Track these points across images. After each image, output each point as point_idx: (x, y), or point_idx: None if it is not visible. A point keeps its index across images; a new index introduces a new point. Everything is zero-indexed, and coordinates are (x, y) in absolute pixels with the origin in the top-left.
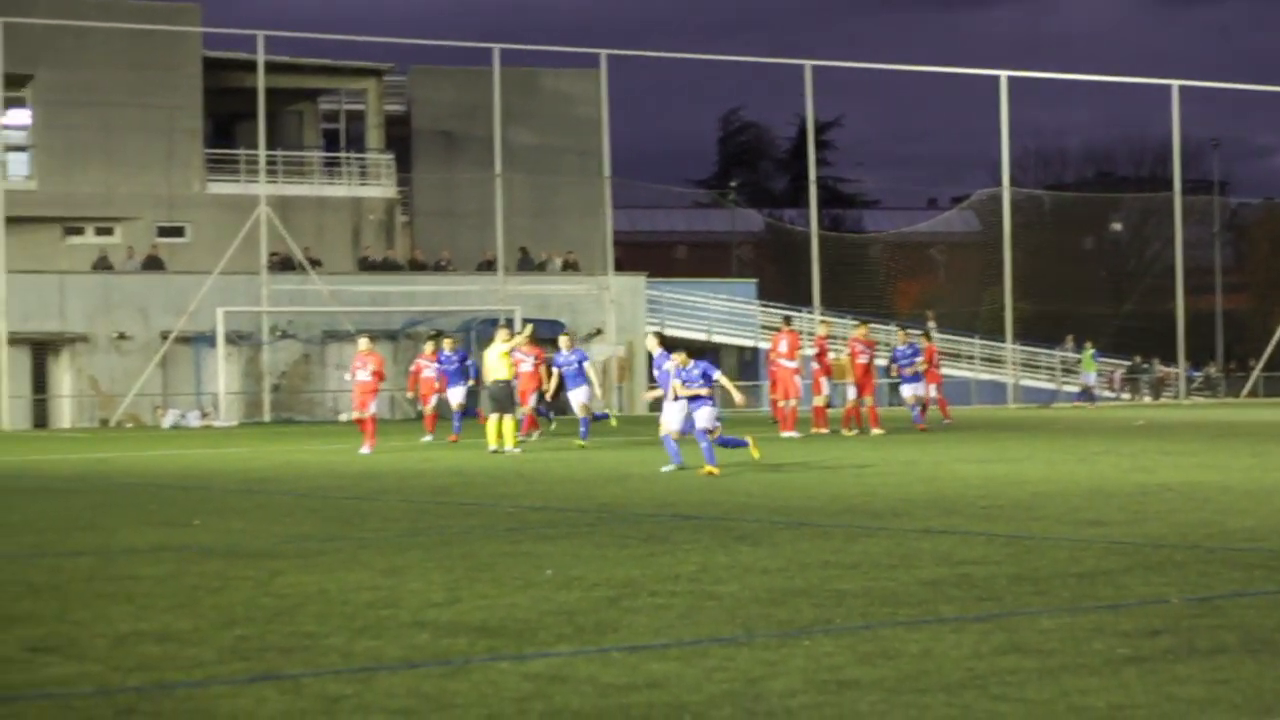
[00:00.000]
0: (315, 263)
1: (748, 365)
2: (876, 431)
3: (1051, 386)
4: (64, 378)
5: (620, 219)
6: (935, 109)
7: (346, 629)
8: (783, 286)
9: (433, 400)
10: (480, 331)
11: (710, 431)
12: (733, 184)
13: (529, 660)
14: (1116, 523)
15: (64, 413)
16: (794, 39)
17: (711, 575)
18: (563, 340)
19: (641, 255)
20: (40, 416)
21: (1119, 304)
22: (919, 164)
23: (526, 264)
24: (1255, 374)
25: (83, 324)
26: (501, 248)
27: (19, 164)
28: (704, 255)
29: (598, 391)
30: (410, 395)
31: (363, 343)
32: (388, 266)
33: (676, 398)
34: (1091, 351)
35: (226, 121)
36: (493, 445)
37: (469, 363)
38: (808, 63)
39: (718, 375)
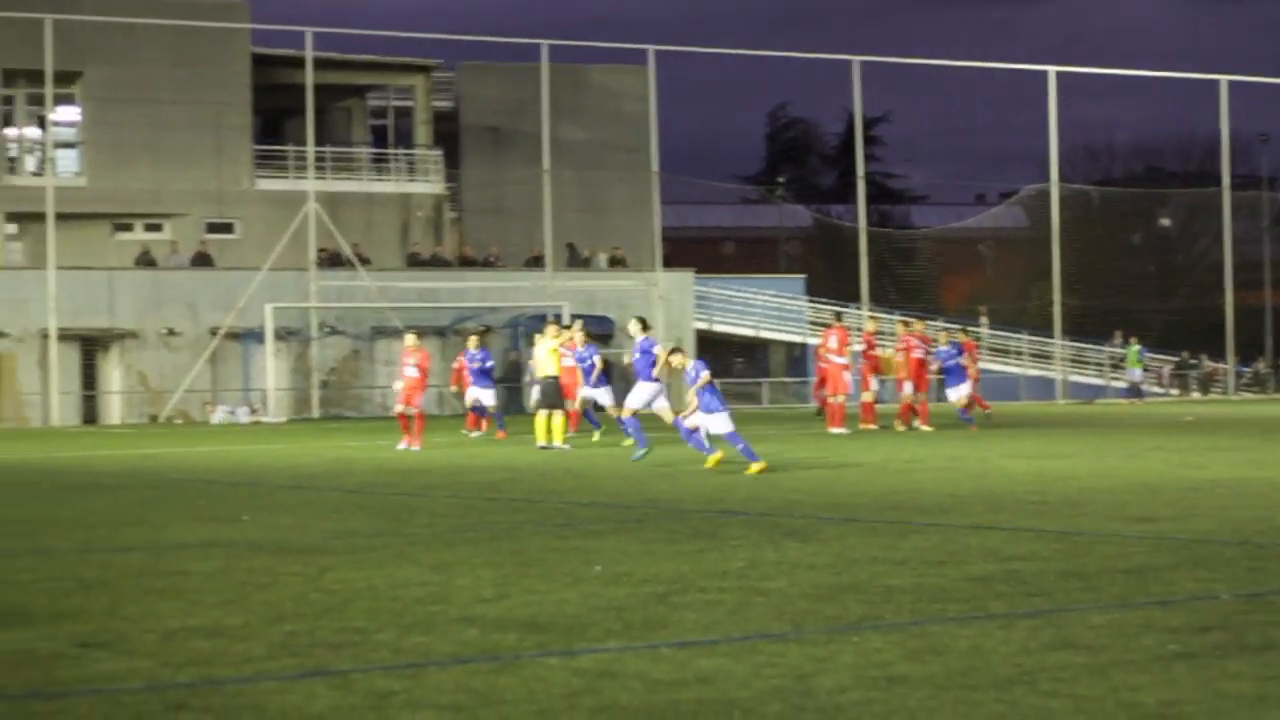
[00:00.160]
0: (364, 259)
1: (796, 361)
2: (925, 428)
3: (1100, 382)
4: (113, 374)
5: (668, 215)
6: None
7: (395, 624)
8: (831, 282)
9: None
10: (527, 327)
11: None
12: (780, 180)
13: (578, 656)
14: (1166, 518)
15: (113, 408)
16: (842, 34)
17: (760, 571)
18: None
19: (689, 251)
20: (90, 412)
21: (1167, 299)
22: (967, 159)
23: (574, 260)
24: None
25: (132, 320)
26: (549, 244)
27: (68, 161)
28: (752, 251)
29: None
30: (454, 390)
31: (409, 339)
32: (436, 263)
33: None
34: (1137, 347)
35: (275, 118)
36: (541, 441)
37: (492, 363)
38: (856, 58)
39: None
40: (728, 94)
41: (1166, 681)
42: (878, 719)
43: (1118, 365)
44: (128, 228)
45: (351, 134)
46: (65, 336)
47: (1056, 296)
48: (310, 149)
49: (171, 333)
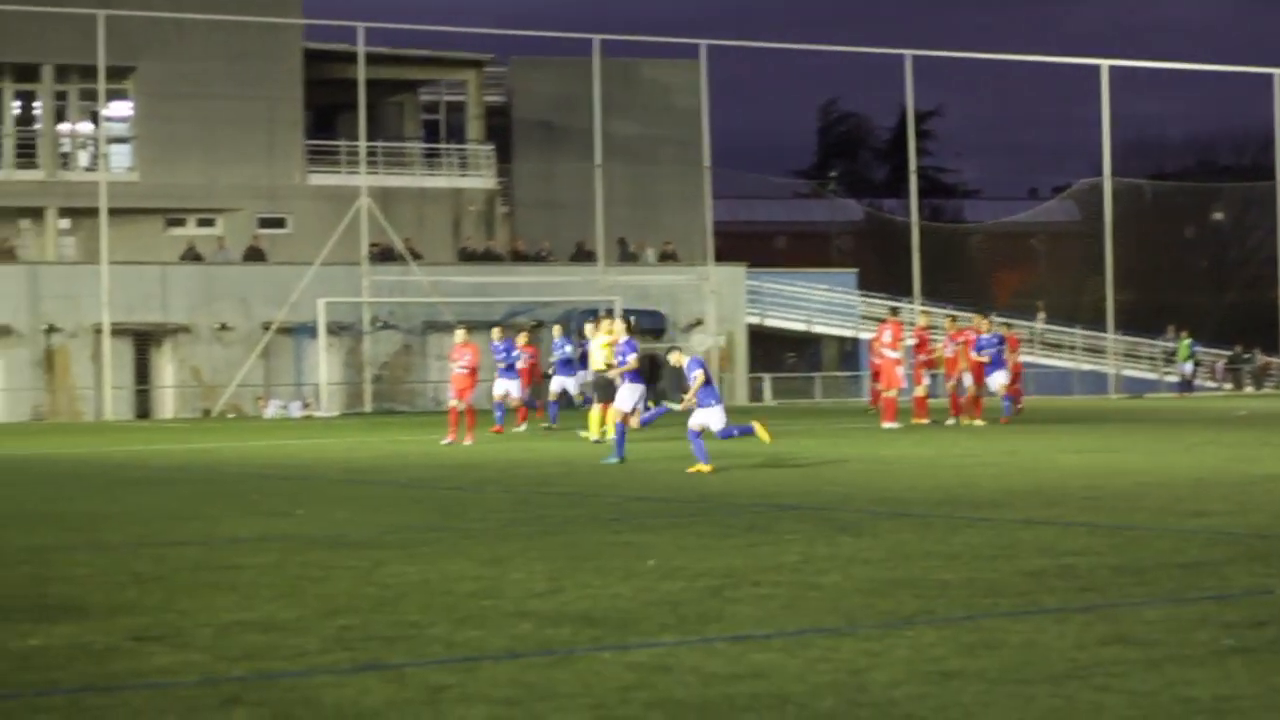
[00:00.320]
0: (416, 254)
1: (848, 356)
2: (978, 422)
3: (1153, 376)
4: (166, 368)
5: (720, 209)
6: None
7: (449, 619)
8: (883, 277)
9: (527, 390)
10: (579, 322)
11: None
12: (832, 174)
13: (632, 650)
14: (1220, 513)
15: (166, 403)
16: (893, 28)
17: (813, 566)
18: (556, 329)
19: (741, 245)
20: (143, 407)
21: (1221, 294)
22: (1019, 153)
23: (623, 255)
24: None
25: (185, 315)
26: (601, 238)
27: (121, 156)
28: (804, 245)
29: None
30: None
31: (459, 335)
32: (488, 257)
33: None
34: (1188, 341)
35: (327, 113)
36: (595, 435)
37: (515, 353)
38: (908, 52)
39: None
40: (779, 88)
41: (1222, 676)
42: (932, 714)
43: (1171, 359)
44: (180, 223)
45: (403, 129)
46: (118, 331)
47: (1109, 291)
48: (362, 144)
49: (224, 327)
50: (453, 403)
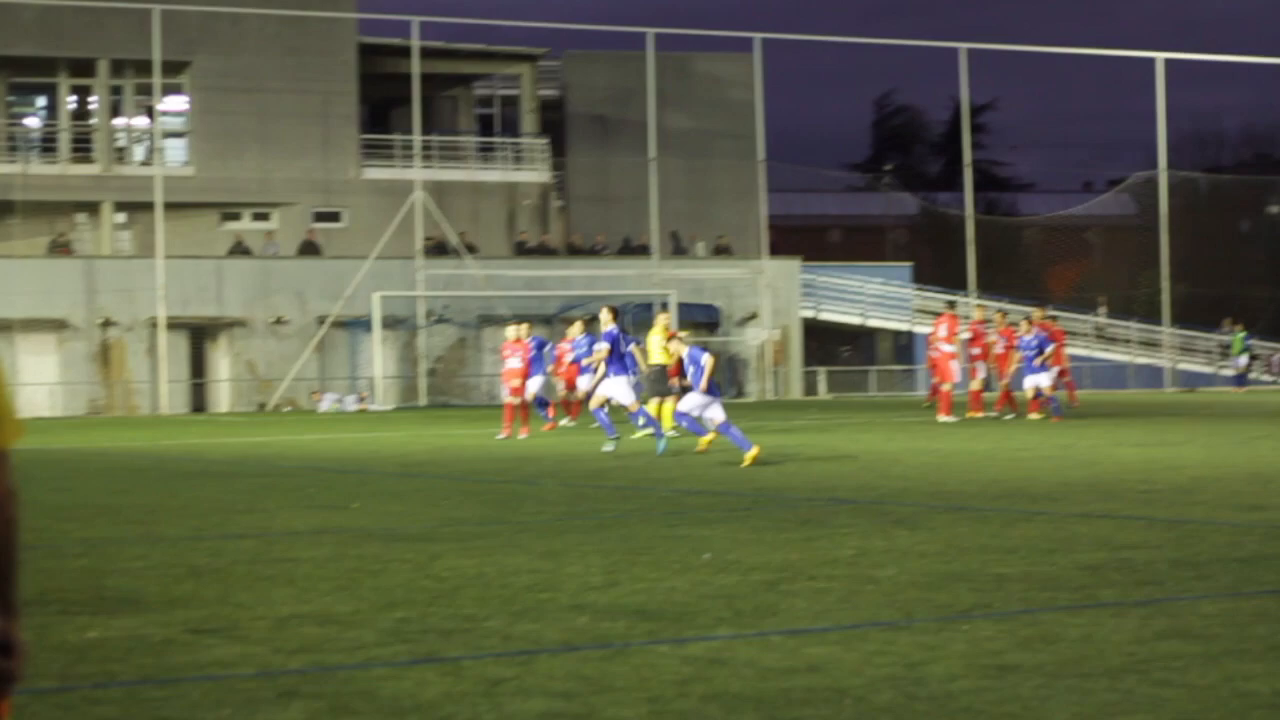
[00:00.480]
0: (471, 247)
1: (902, 349)
2: (1034, 416)
3: (1209, 370)
4: (222, 362)
5: (774, 203)
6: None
7: (506, 612)
8: (938, 270)
9: (577, 385)
10: (634, 315)
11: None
12: (887, 167)
13: (688, 643)
14: (1277, 507)
15: (222, 397)
16: (947, 21)
17: (869, 559)
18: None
19: (795, 239)
20: (199, 400)
21: (1276, 287)
22: (1074, 147)
23: (676, 248)
24: None
25: (240, 309)
26: (656, 232)
27: (176, 150)
28: (858, 239)
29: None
30: (554, 377)
31: (509, 331)
32: (543, 251)
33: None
34: (1242, 334)
35: (382, 107)
36: (669, 429)
37: (547, 349)
38: (962, 45)
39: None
40: (834, 82)
41: None
42: (989, 707)
43: (1226, 353)
44: (235, 217)
45: (458, 123)
46: (174, 325)
47: (1165, 284)
48: (417, 138)
49: (279, 321)
50: (510, 399)
